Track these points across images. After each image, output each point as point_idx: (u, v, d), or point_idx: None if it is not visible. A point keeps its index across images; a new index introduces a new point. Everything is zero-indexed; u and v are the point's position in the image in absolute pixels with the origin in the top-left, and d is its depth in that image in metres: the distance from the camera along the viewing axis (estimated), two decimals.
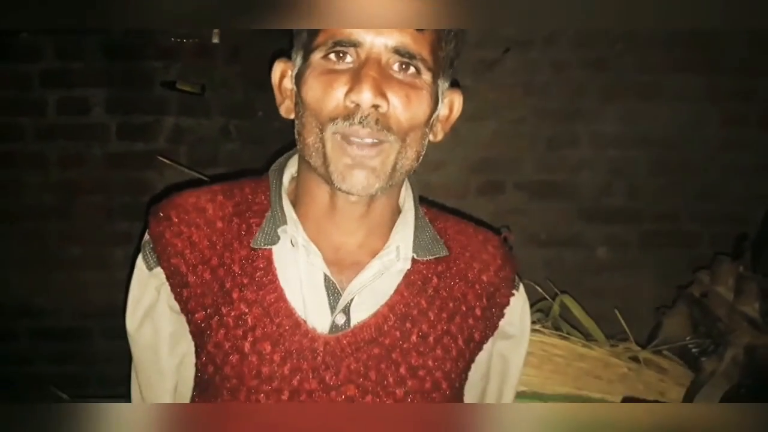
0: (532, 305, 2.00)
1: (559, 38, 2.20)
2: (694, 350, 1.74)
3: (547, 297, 1.91)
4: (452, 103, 0.96)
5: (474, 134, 2.26)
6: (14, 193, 2.27)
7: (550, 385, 1.66)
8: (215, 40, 2.27)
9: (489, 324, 0.98)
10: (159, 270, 0.93)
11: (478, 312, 0.96)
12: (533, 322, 1.81)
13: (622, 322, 1.81)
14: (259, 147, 2.30)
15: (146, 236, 0.95)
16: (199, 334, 0.91)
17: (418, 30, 0.83)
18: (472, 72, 2.21)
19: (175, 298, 0.93)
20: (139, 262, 0.96)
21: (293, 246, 0.90)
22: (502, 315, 0.99)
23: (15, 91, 2.22)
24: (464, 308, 0.95)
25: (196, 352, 0.93)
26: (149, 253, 0.94)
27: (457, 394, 0.96)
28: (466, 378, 0.97)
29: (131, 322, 0.97)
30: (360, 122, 0.81)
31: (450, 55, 0.90)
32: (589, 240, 2.31)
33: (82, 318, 2.34)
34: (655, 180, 2.28)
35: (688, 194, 2.28)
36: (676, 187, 2.28)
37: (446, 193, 2.29)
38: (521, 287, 1.03)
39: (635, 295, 2.28)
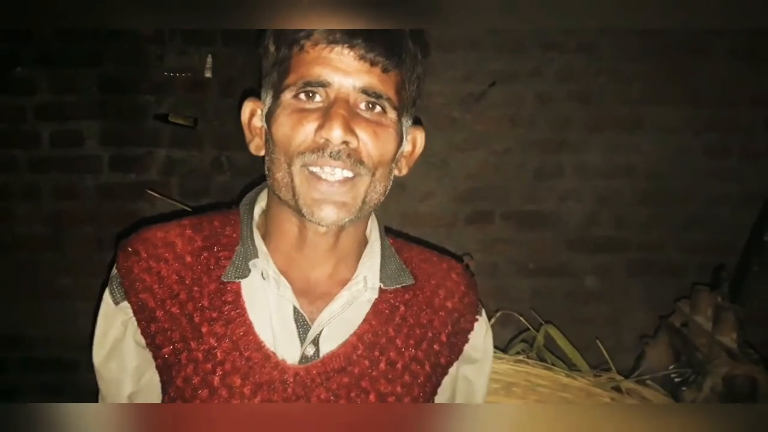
0: (516, 335, 2.02)
1: (544, 71, 2.24)
2: (676, 379, 1.74)
3: (531, 328, 1.92)
4: (415, 140, 1.00)
5: (462, 165, 2.29)
6: (7, 223, 2.29)
7: None
8: (208, 74, 2.31)
9: (454, 349, 1.01)
10: (126, 304, 0.94)
11: (443, 338, 0.99)
12: (518, 353, 1.82)
13: (604, 352, 1.82)
14: (250, 179, 2.32)
15: (114, 270, 0.96)
16: (166, 369, 0.92)
17: (383, 72, 0.87)
18: (460, 104, 2.26)
19: (142, 333, 0.93)
20: (106, 296, 0.97)
21: (264, 279, 0.92)
22: (466, 340, 1.03)
23: (10, 123, 2.25)
24: (430, 334, 0.98)
25: (163, 387, 0.93)
26: (116, 287, 0.95)
27: None
28: (432, 402, 0.99)
29: (98, 355, 0.98)
30: (331, 156, 0.85)
31: (413, 95, 0.95)
32: (576, 269, 2.33)
33: (71, 349, 2.34)
34: (641, 210, 2.30)
35: (673, 224, 2.30)
36: (662, 217, 2.30)
37: (435, 222, 2.32)
38: (483, 312, 1.07)
39: (622, 324, 2.29)
